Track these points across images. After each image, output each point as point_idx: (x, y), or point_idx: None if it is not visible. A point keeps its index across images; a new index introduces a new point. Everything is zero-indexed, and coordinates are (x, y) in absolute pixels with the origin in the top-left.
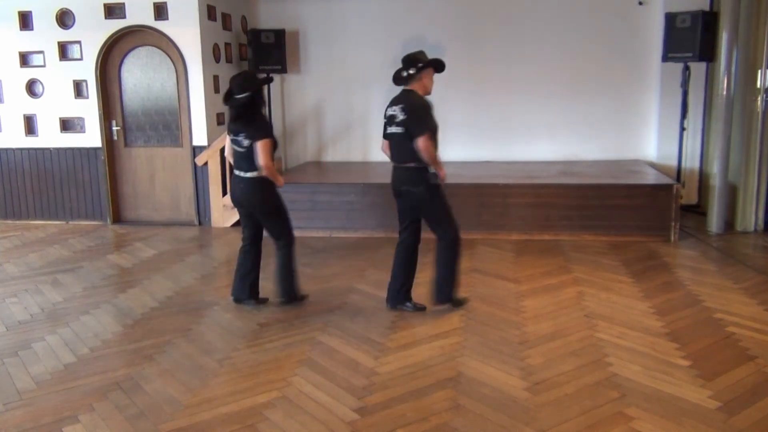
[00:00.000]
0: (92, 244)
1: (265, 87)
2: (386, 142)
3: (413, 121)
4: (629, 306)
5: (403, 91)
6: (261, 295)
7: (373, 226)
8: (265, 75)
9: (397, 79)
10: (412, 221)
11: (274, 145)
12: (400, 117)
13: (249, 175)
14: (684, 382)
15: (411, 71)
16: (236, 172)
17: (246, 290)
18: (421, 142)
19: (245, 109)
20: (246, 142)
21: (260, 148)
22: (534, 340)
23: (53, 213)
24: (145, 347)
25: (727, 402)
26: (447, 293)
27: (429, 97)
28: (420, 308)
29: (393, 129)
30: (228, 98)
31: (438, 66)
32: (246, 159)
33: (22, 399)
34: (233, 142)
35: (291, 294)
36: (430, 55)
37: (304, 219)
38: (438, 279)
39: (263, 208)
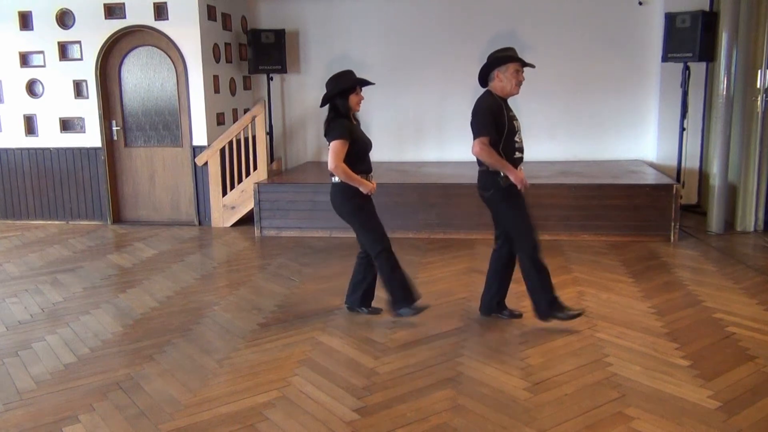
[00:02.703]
0: (92, 244)
1: (353, 90)
2: None
3: (472, 124)
4: (629, 306)
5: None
6: (374, 304)
7: None
8: (351, 82)
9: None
10: (503, 229)
11: (355, 148)
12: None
13: (333, 180)
14: (684, 382)
15: (485, 70)
16: None
17: (357, 299)
18: (474, 147)
19: (329, 110)
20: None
21: (330, 149)
22: (534, 340)
23: (53, 213)
24: (145, 347)
25: (727, 402)
26: (543, 309)
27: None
28: (516, 315)
29: None
30: None
31: (498, 61)
32: None
33: (22, 399)
34: None
35: (399, 302)
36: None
37: (304, 219)
38: (529, 294)
39: (342, 216)
